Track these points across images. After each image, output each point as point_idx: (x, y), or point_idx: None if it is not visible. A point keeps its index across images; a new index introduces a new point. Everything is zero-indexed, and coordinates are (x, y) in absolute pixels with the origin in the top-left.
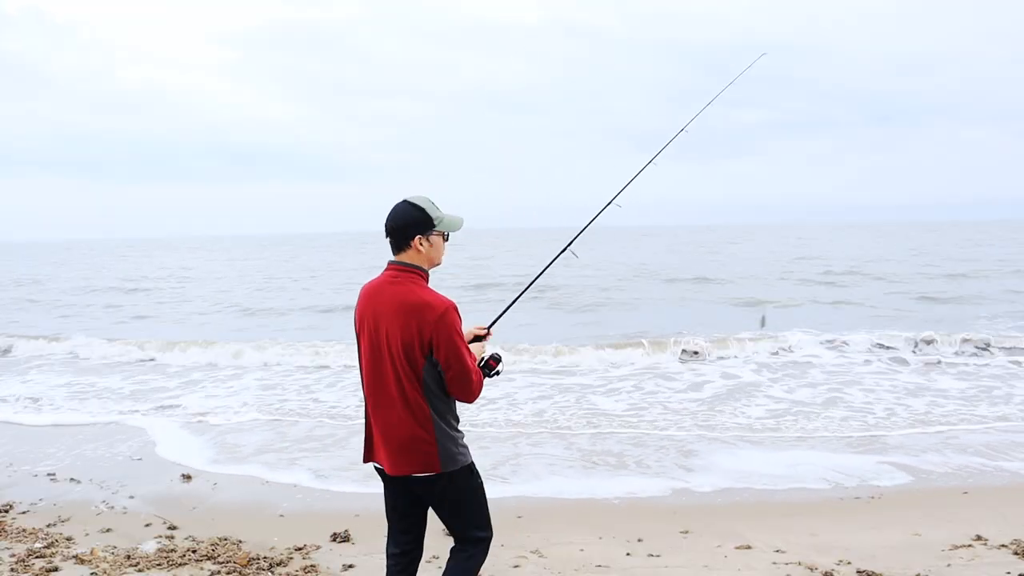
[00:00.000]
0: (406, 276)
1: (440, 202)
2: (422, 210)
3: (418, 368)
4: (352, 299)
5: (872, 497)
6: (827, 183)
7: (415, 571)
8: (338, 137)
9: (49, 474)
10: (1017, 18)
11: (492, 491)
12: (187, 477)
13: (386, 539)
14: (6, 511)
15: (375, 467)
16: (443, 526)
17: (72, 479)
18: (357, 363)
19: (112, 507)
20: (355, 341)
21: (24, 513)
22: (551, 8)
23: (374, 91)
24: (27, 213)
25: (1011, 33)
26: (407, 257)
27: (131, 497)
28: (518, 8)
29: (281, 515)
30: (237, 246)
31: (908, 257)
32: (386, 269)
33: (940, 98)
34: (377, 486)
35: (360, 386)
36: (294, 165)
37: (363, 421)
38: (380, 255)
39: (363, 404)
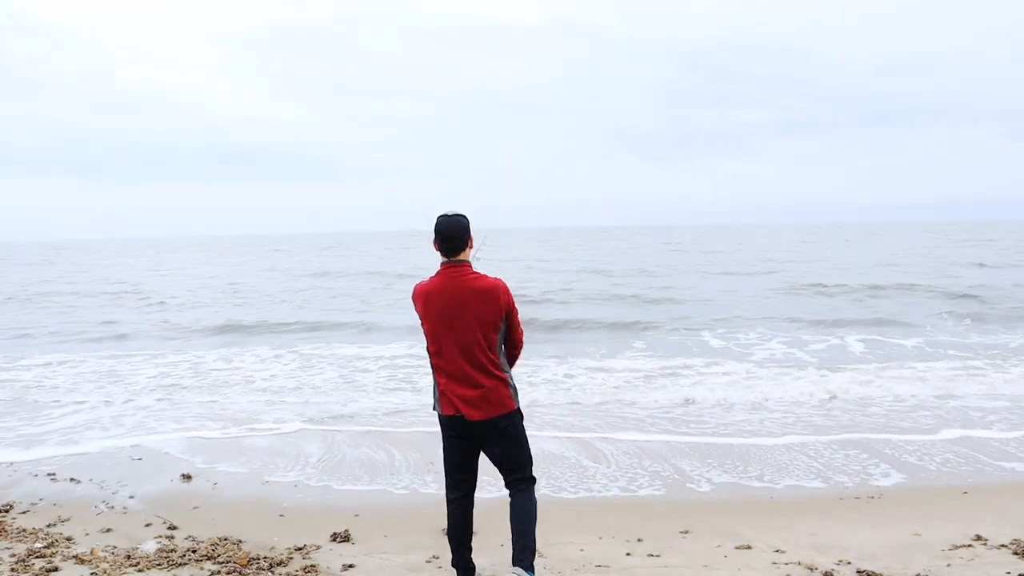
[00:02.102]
0: (464, 269)
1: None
2: (467, 218)
3: (493, 334)
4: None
5: (872, 497)
6: (827, 183)
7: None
8: (338, 137)
9: (49, 474)
10: (1016, 18)
11: (491, 492)
12: (187, 477)
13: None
14: (6, 511)
15: (449, 418)
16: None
17: (72, 479)
18: (427, 343)
19: (112, 507)
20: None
21: (24, 513)
22: (551, 8)
23: (374, 91)
24: (28, 214)
25: (1011, 33)
26: (464, 255)
27: (131, 497)
28: (518, 8)
29: (281, 515)
30: (225, 247)
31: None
32: (444, 269)
33: (940, 98)
34: (377, 485)
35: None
36: (294, 165)
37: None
38: (348, 259)
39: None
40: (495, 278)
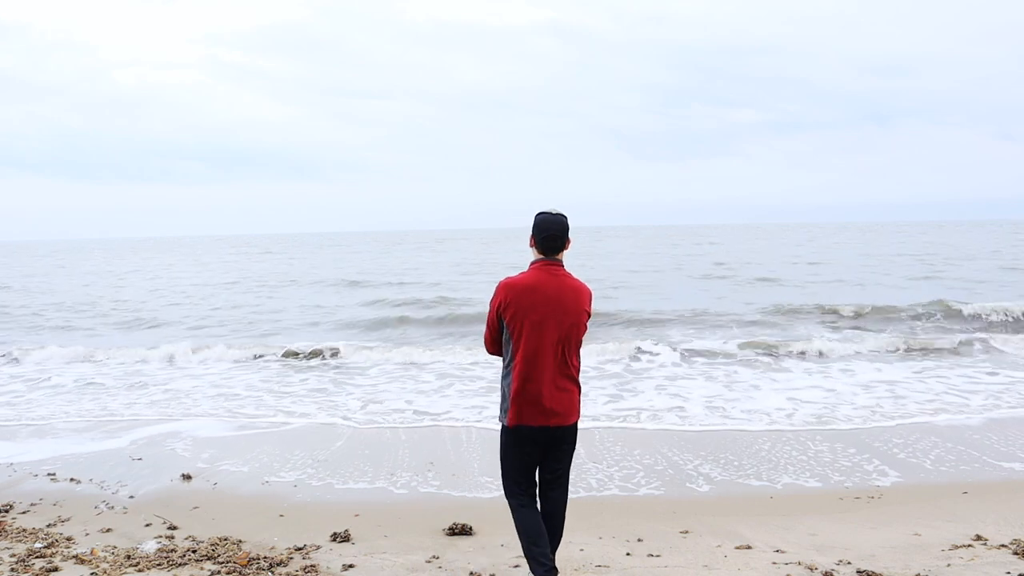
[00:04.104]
0: (561, 269)
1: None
2: (567, 218)
3: (578, 338)
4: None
5: (872, 497)
6: (821, 182)
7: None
8: (332, 137)
9: (49, 474)
10: (1006, 19)
11: (491, 491)
12: (187, 477)
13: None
14: (6, 511)
15: (531, 428)
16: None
17: (72, 479)
18: (513, 341)
19: (112, 507)
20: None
21: (24, 513)
22: (544, 9)
23: (368, 92)
24: (29, 214)
25: (1001, 34)
26: (561, 255)
27: (131, 497)
28: (511, 10)
29: (281, 515)
30: (215, 247)
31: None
32: (541, 266)
33: (935, 98)
34: (377, 484)
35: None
36: (289, 166)
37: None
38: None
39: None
40: (583, 283)
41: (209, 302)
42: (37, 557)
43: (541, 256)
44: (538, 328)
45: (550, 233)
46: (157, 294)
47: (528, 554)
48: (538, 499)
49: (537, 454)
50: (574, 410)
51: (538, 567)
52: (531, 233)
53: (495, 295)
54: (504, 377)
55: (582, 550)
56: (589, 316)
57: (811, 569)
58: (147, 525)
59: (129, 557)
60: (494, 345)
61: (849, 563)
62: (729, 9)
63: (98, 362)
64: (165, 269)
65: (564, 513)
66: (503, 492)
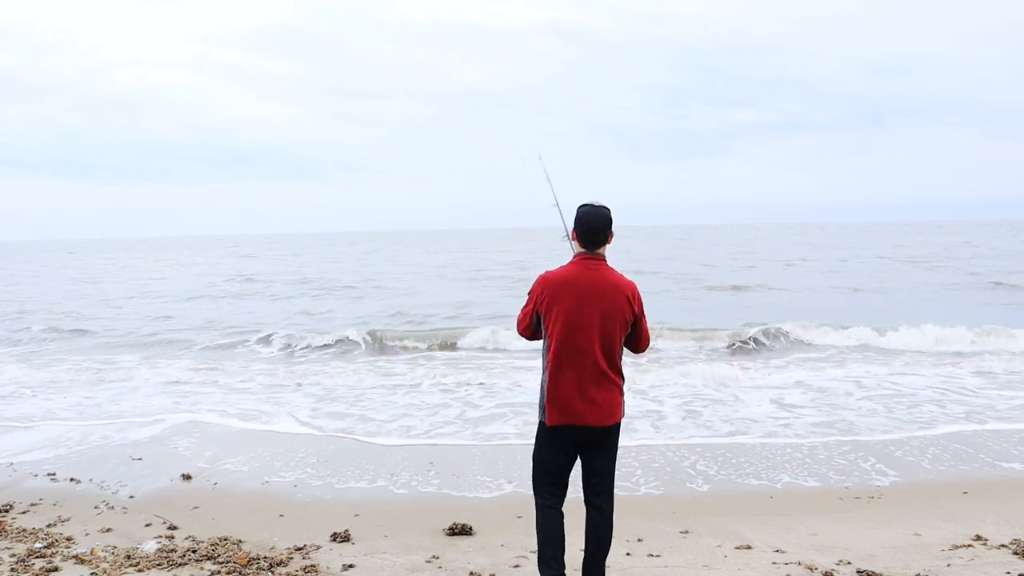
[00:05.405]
0: (602, 263)
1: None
2: (610, 210)
3: (619, 335)
4: None
5: (872, 497)
6: (821, 182)
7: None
8: (332, 137)
9: (49, 474)
10: (1010, 19)
11: (491, 492)
12: (187, 477)
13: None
14: (6, 511)
15: (566, 428)
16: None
17: (72, 479)
18: (548, 336)
19: (112, 507)
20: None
21: (24, 513)
22: (544, 9)
23: (368, 92)
24: (29, 214)
25: (1000, 34)
26: (603, 249)
27: (131, 497)
28: (511, 10)
29: (281, 515)
30: (203, 246)
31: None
32: (581, 260)
33: (934, 98)
34: (377, 483)
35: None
36: (289, 166)
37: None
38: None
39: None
40: (628, 278)
41: (156, 308)
42: (37, 557)
43: (582, 250)
44: (573, 323)
45: (591, 226)
46: (90, 298)
47: (540, 555)
48: (585, 508)
49: (570, 455)
50: (615, 410)
51: (547, 569)
52: (572, 226)
53: (533, 288)
54: (542, 373)
55: (582, 550)
56: (638, 313)
57: (811, 569)
58: (147, 525)
59: (129, 557)
60: (526, 331)
61: (849, 563)
62: (729, 9)
63: None
64: (134, 270)
65: (611, 524)
66: (532, 489)
